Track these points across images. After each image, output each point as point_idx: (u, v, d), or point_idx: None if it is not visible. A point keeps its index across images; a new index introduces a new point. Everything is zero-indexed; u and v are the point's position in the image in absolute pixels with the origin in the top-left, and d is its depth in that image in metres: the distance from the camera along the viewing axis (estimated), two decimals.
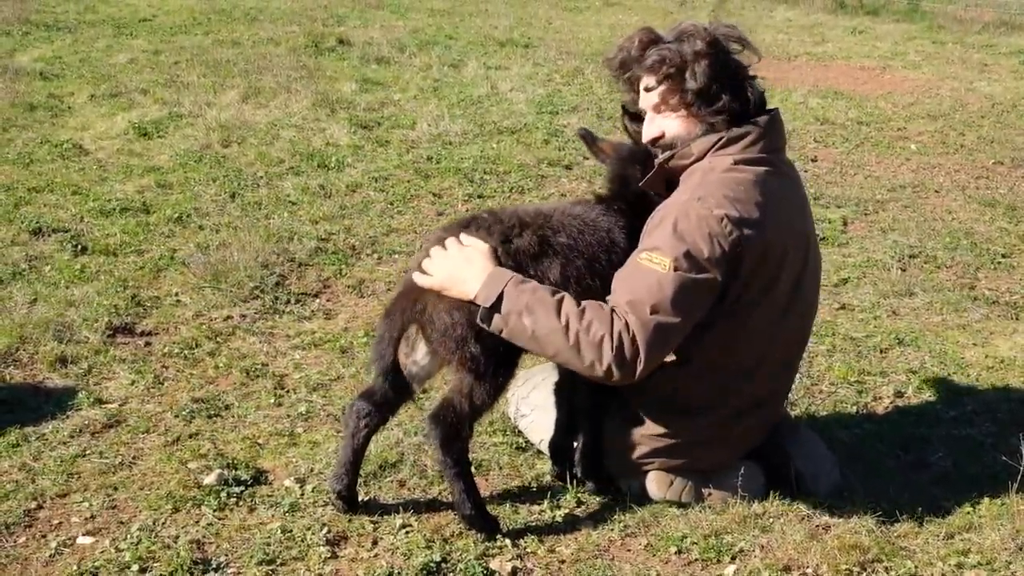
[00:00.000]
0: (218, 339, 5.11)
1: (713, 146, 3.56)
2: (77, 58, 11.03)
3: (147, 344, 5.07)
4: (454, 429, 3.48)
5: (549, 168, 7.88)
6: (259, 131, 8.52)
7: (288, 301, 5.57)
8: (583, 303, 3.39)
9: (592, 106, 9.66)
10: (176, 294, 5.59)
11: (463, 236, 3.52)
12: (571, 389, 3.92)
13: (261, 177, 7.45)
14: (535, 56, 11.94)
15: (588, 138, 4.05)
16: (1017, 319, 5.67)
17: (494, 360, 3.47)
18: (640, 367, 3.36)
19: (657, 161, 3.64)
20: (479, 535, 3.57)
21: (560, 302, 3.37)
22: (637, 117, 3.85)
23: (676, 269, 3.36)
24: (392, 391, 3.60)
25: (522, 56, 11.95)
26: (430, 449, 3.51)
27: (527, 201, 7.19)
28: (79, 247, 6.09)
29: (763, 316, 3.64)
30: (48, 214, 6.57)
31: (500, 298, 3.36)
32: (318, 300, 5.65)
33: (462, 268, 3.43)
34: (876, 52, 12.84)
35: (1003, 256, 6.54)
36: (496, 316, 3.38)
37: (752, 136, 3.57)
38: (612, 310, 3.38)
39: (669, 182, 3.68)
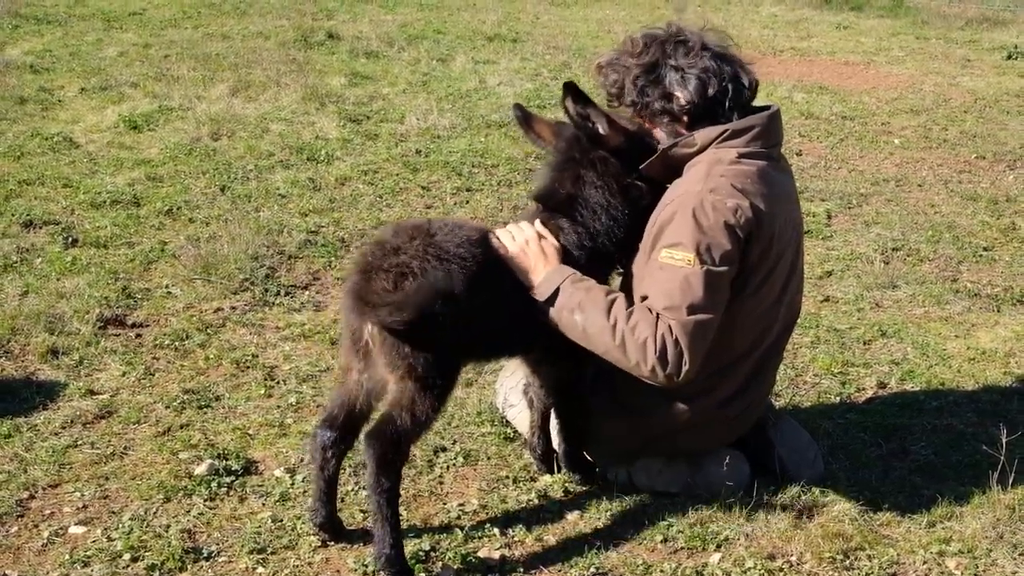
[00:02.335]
0: (208, 331, 5.14)
1: (717, 137, 3.58)
2: (67, 51, 11.02)
3: (138, 336, 5.09)
4: (394, 446, 3.31)
5: (537, 162, 7.87)
6: (249, 124, 8.53)
7: (278, 293, 5.60)
8: (632, 306, 3.47)
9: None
10: (167, 286, 5.62)
11: (538, 224, 3.62)
12: (537, 388, 3.90)
13: (251, 170, 7.47)
14: (523, 51, 11.96)
15: (523, 117, 3.88)
16: (998, 311, 5.72)
17: (438, 370, 3.32)
18: (686, 367, 3.42)
19: (661, 148, 3.64)
20: None
21: (612, 303, 3.45)
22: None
23: (702, 264, 3.41)
24: (348, 413, 3.51)
25: (510, 51, 11.97)
26: (367, 469, 3.33)
27: (515, 195, 7.23)
28: (70, 239, 6.12)
29: (759, 304, 3.68)
30: (39, 207, 6.58)
31: (556, 293, 3.47)
32: (308, 292, 5.68)
33: (535, 255, 3.54)
34: (861, 47, 12.89)
35: (985, 249, 6.59)
36: (551, 310, 3.49)
37: (756, 130, 3.60)
38: (658, 315, 3.43)
39: (669, 171, 3.69)
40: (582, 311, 3.44)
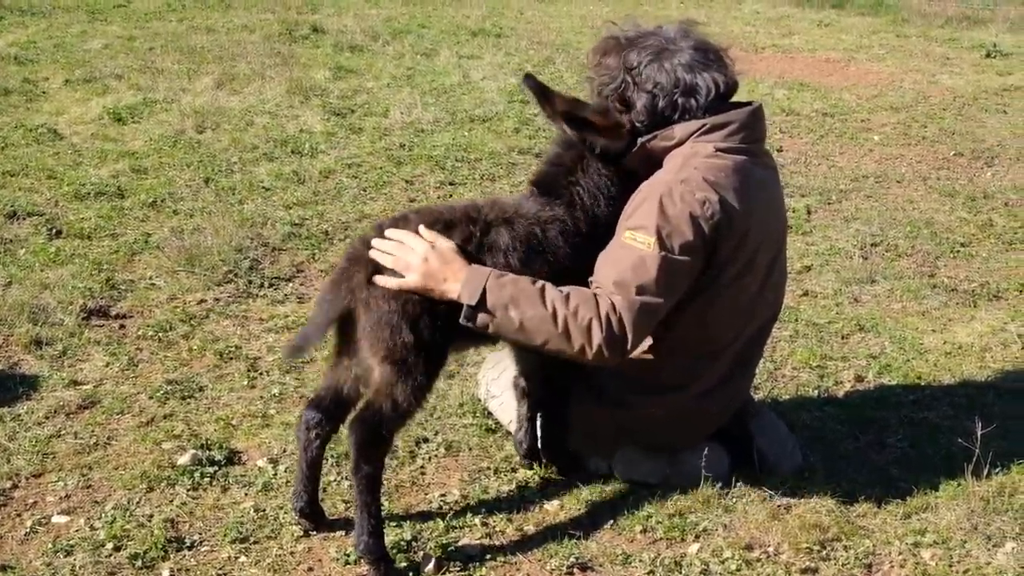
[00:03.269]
0: (192, 322, 5.16)
1: (695, 131, 3.58)
2: (51, 43, 11.00)
3: (121, 327, 5.11)
4: (375, 433, 3.32)
5: (520, 156, 7.94)
6: (233, 117, 8.54)
7: (262, 285, 5.62)
8: (565, 289, 3.39)
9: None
10: (150, 277, 5.63)
11: (423, 231, 3.42)
12: (528, 380, 3.93)
13: (235, 163, 7.48)
14: (507, 46, 11.99)
15: (538, 89, 3.68)
16: (975, 306, 5.77)
17: (423, 356, 3.32)
18: (628, 346, 3.41)
19: (640, 141, 3.63)
20: (370, 567, 3.39)
21: (543, 290, 3.36)
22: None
23: (661, 249, 3.40)
24: (335, 396, 3.54)
25: (494, 45, 11.99)
26: (350, 455, 3.35)
27: (498, 188, 7.26)
28: (54, 231, 6.12)
29: (737, 297, 3.70)
30: (23, 198, 6.58)
31: (483, 294, 3.32)
32: (291, 284, 5.69)
33: (439, 267, 3.34)
34: (841, 45, 12.94)
35: (962, 245, 6.64)
36: (481, 314, 3.34)
37: (734, 126, 3.60)
38: (595, 293, 3.41)
39: (649, 163, 3.68)
40: (516, 306, 3.32)
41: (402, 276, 3.33)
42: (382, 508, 3.46)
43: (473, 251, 3.44)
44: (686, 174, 3.49)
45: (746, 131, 3.64)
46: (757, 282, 3.74)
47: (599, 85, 3.69)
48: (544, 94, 3.64)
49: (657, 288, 3.41)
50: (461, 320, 3.33)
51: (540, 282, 3.39)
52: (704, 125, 3.58)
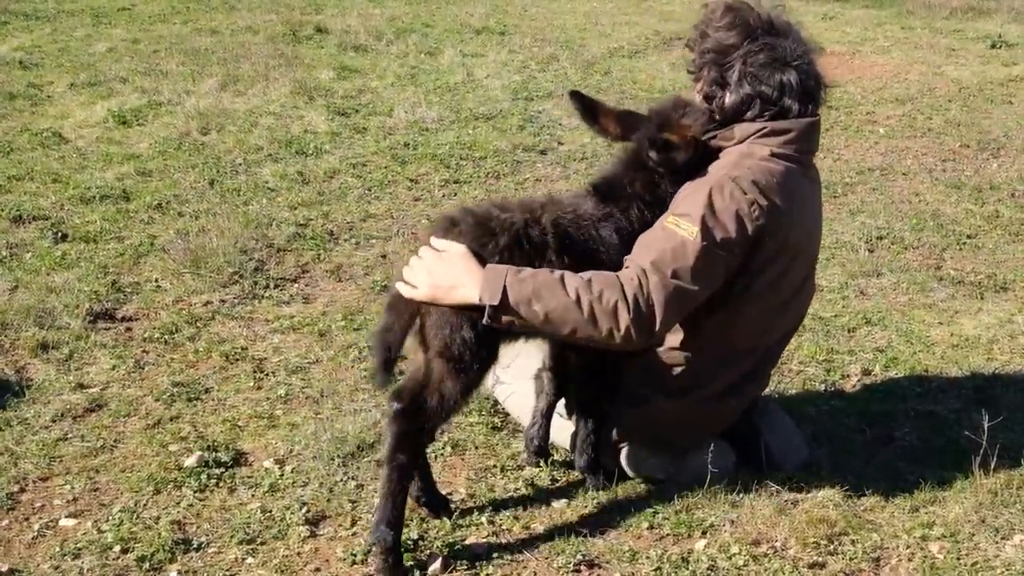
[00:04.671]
0: (198, 324, 5.17)
1: (755, 133, 3.57)
2: (56, 47, 11.02)
3: (128, 329, 5.12)
4: (417, 423, 3.34)
5: (524, 154, 7.93)
6: (238, 119, 8.54)
7: (267, 286, 5.63)
8: (587, 275, 3.37)
9: (567, 92, 9.69)
10: (156, 280, 5.64)
11: (434, 241, 3.42)
12: (557, 378, 3.90)
13: (240, 164, 7.49)
14: (511, 43, 11.97)
15: (584, 108, 3.74)
16: (982, 298, 5.76)
17: (479, 350, 3.35)
18: (657, 327, 3.38)
19: (698, 139, 3.62)
20: (381, 561, 3.36)
21: (563, 279, 3.33)
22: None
23: (703, 239, 3.38)
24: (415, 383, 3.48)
25: (498, 43, 11.97)
26: (386, 442, 3.38)
27: (502, 186, 7.26)
28: (59, 234, 6.14)
29: (768, 305, 3.69)
30: (28, 202, 6.60)
31: (505, 293, 3.30)
32: (296, 285, 5.70)
33: (451, 275, 3.33)
34: (846, 38, 12.90)
35: (968, 237, 6.63)
36: (504, 314, 3.31)
37: (793, 134, 3.58)
38: (619, 275, 3.38)
39: (704, 159, 3.64)
40: (539, 299, 3.29)
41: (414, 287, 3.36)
42: (407, 502, 3.46)
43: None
44: (739, 172, 3.48)
45: (802, 141, 3.63)
46: (788, 293, 3.74)
47: (706, 50, 3.64)
48: (592, 112, 3.69)
49: (693, 276, 3.39)
50: (484, 321, 3.31)
51: (559, 272, 3.36)
52: (764, 128, 3.57)
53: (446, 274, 3.32)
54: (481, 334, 3.34)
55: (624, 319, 3.32)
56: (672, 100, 3.78)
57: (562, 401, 3.99)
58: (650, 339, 3.43)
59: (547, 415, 4.00)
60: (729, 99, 3.61)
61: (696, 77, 3.72)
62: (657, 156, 3.53)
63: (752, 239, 3.47)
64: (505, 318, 3.32)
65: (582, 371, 3.79)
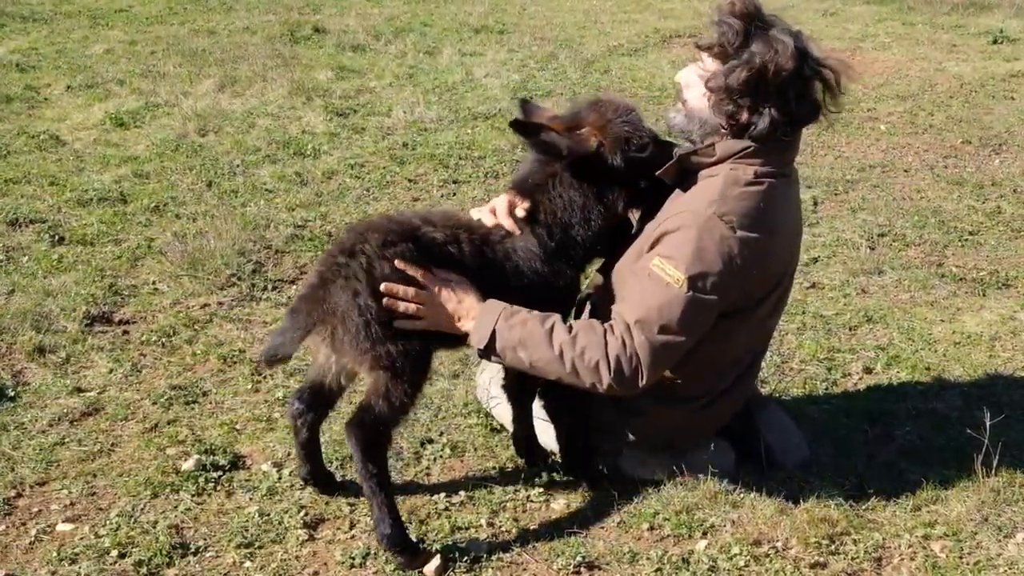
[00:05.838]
0: (195, 326, 5.15)
1: (737, 152, 3.49)
2: (53, 49, 10.99)
3: (125, 332, 5.10)
4: (374, 433, 3.36)
5: (524, 153, 7.82)
6: (235, 120, 8.52)
7: (265, 288, 5.61)
8: (575, 327, 3.40)
9: (566, 91, 9.68)
10: (153, 282, 5.62)
11: (438, 272, 3.42)
12: (518, 386, 3.91)
13: (238, 165, 7.46)
14: (510, 42, 11.95)
15: (526, 112, 3.76)
16: (984, 295, 5.74)
17: (409, 357, 3.36)
18: (642, 382, 3.40)
19: (678, 153, 3.56)
20: (397, 557, 3.42)
21: (551, 331, 3.37)
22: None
23: (690, 289, 3.35)
24: (318, 388, 3.61)
25: (497, 42, 11.95)
26: (354, 458, 3.40)
27: (502, 186, 7.22)
28: (56, 237, 6.11)
29: (758, 317, 3.70)
30: (25, 205, 6.57)
31: (493, 337, 3.38)
32: (295, 286, 5.67)
33: (453, 306, 3.41)
34: (847, 34, 12.87)
35: (970, 234, 6.61)
36: (493, 356, 3.43)
37: (778, 150, 3.54)
38: (606, 331, 3.38)
39: (685, 175, 3.60)
40: (524, 348, 3.37)
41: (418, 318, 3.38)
42: (395, 498, 3.49)
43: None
44: (727, 207, 3.41)
45: (785, 153, 3.60)
46: (774, 302, 3.74)
47: (752, 69, 3.40)
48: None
49: (680, 327, 3.39)
50: (477, 355, 3.43)
51: (550, 320, 3.40)
52: (748, 148, 3.49)
53: (453, 306, 3.41)
54: (404, 344, 3.35)
55: (606, 378, 3.37)
56: (588, 100, 3.72)
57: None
58: (634, 391, 3.44)
59: (522, 420, 4.00)
60: (762, 124, 3.44)
61: (717, 91, 3.48)
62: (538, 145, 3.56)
63: (741, 273, 3.43)
64: (494, 359, 3.44)
65: (542, 385, 3.84)
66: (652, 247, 3.48)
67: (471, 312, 3.41)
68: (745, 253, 3.40)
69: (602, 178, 3.59)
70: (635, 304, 3.41)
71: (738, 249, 3.38)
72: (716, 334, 3.58)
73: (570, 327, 3.41)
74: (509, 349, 3.38)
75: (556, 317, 3.43)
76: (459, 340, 3.55)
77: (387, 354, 3.31)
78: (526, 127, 3.55)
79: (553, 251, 3.59)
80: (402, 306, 3.34)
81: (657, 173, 3.56)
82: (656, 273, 3.39)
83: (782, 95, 3.42)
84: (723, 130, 3.53)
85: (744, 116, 3.47)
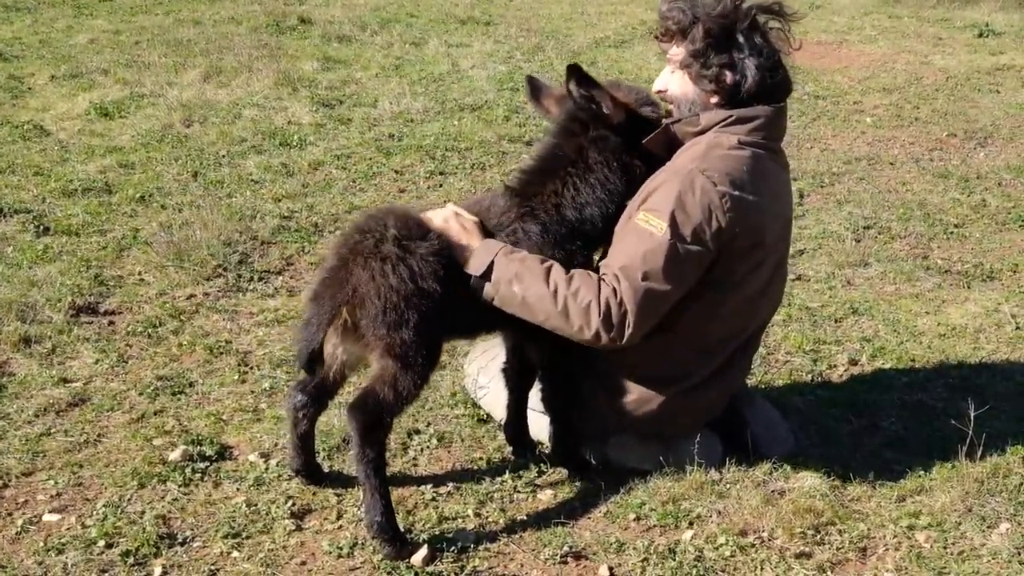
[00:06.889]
0: (181, 317, 5.14)
1: (721, 121, 3.58)
2: (37, 39, 10.94)
3: (111, 323, 5.08)
4: (376, 418, 3.37)
5: (510, 145, 7.91)
6: (221, 110, 8.50)
7: (251, 279, 5.60)
8: (572, 271, 3.48)
9: (553, 83, 9.65)
10: (139, 273, 5.60)
11: (451, 206, 3.63)
12: (519, 373, 3.95)
13: (223, 156, 7.44)
14: (496, 33, 11.94)
15: (532, 90, 4.00)
16: (968, 287, 5.76)
17: (422, 347, 3.38)
18: (629, 330, 3.44)
19: (665, 122, 3.67)
20: (384, 547, 3.41)
21: (548, 270, 3.46)
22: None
23: (672, 237, 3.42)
24: (321, 380, 3.61)
25: (483, 34, 11.94)
26: (351, 441, 3.42)
27: (488, 178, 7.23)
28: (41, 228, 6.09)
29: (746, 294, 3.70)
30: (10, 195, 6.55)
31: (491, 267, 3.46)
32: (281, 277, 5.67)
33: (459, 234, 3.54)
34: (833, 27, 12.90)
35: (955, 226, 6.63)
36: (487, 284, 3.48)
37: (759, 121, 3.60)
38: (600, 277, 3.47)
39: (671, 145, 3.69)
40: (520, 281, 3.45)
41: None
42: (389, 487, 3.48)
43: None
44: (708, 164, 3.49)
45: (769, 128, 3.64)
46: (762, 282, 3.74)
47: (706, 31, 3.55)
48: (537, 93, 3.99)
49: (664, 276, 3.44)
50: (471, 285, 3.49)
51: (549, 262, 3.49)
52: (730, 116, 3.58)
53: (461, 236, 3.54)
54: (420, 331, 3.36)
55: (595, 320, 3.42)
56: (608, 81, 3.82)
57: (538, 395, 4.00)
58: (620, 342, 3.47)
59: (517, 408, 4.01)
60: (741, 79, 3.56)
61: (693, 61, 3.61)
62: (577, 89, 3.62)
63: (726, 232, 3.48)
64: (487, 291, 3.49)
65: (542, 368, 3.87)
66: (639, 206, 3.55)
67: (474, 240, 3.53)
68: (726, 205, 3.46)
69: (623, 152, 3.68)
70: (621, 253, 3.50)
71: (719, 201, 3.45)
72: (702, 306, 3.63)
73: (567, 269, 3.49)
74: (504, 281, 3.46)
75: (553, 261, 3.51)
76: (474, 328, 3.71)
77: (401, 342, 3.33)
78: (587, 77, 3.62)
79: (568, 231, 3.67)
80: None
81: (644, 141, 3.64)
82: (640, 225, 3.48)
83: (748, 39, 3.56)
84: (714, 101, 3.63)
85: (727, 76, 3.58)
